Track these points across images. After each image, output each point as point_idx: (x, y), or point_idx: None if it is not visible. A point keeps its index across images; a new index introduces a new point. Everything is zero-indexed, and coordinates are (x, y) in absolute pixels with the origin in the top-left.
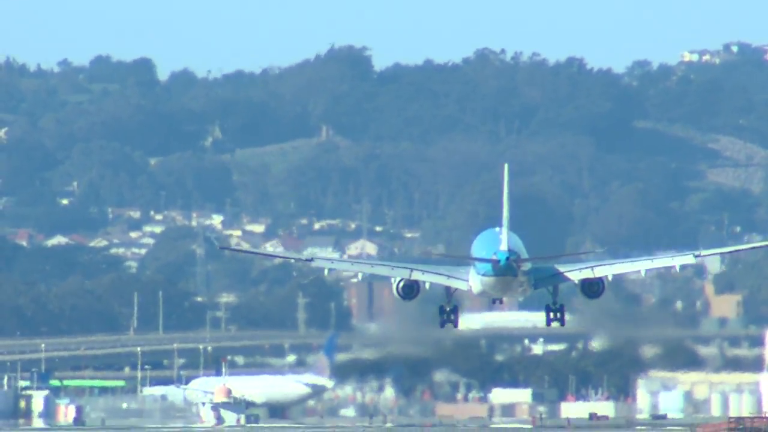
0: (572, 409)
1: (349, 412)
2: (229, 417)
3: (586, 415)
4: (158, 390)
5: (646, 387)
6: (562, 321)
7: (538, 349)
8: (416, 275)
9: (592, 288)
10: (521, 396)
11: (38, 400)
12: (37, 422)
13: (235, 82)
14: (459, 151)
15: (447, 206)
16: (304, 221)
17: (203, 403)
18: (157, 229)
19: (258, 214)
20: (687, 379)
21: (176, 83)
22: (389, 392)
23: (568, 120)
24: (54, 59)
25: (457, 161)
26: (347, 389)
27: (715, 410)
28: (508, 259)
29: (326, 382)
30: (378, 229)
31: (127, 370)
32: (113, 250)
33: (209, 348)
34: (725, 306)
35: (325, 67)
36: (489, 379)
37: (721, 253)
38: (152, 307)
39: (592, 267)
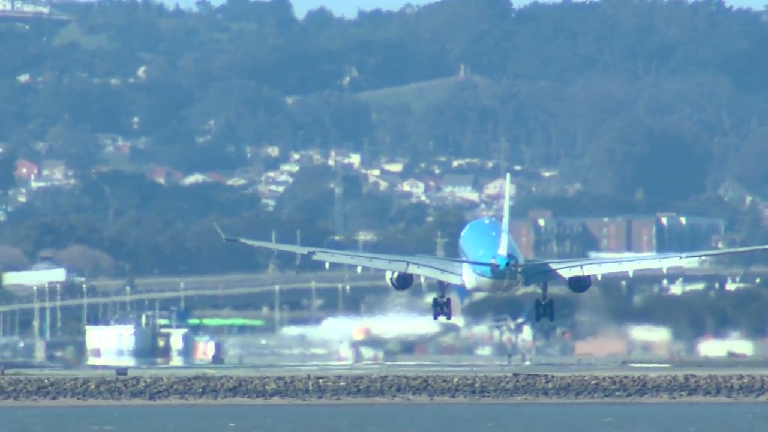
0: (710, 348)
1: (485, 351)
2: (367, 354)
3: (724, 353)
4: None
5: None
6: (551, 316)
7: (676, 289)
8: (412, 269)
9: (579, 284)
10: (660, 335)
11: (177, 338)
12: (176, 360)
13: (372, 21)
14: (597, 89)
15: (585, 145)
16: (442, 159)
17: (341, 341)
18: (295, 168)
19: (396, 153)
20: None
21: (313, 22)
22: (527, 332)
23: (706, 58)
24: None
25: (594, 100)
26: (482, 328)
27: None
28: (508, 264)
29: (457, 321)
30: (516, 167)
31: (265, 309)
32: (251, 189)
33: (347, 287)
34: None
35: (463, 5)
36: (628, 319)
37: (706, 255)
38: (290, 244)
39: (581, 265)
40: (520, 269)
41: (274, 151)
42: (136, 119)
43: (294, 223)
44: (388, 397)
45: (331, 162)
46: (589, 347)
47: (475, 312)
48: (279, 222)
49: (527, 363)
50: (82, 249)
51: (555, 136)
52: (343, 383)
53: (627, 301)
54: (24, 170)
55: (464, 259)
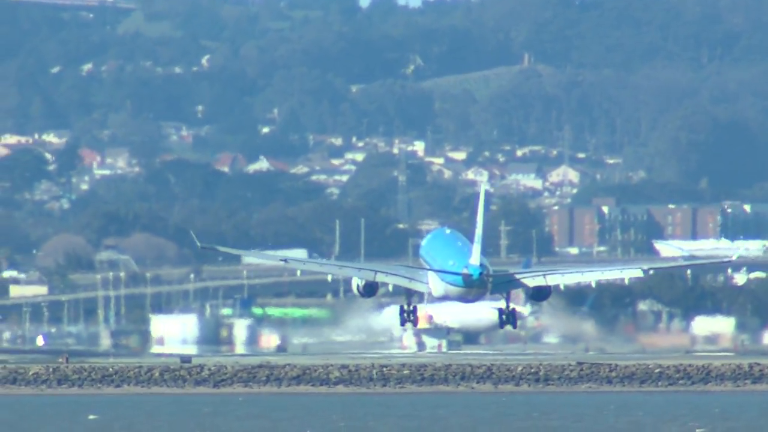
0: None
1: (552, 339)
2: (430, 343)
3: None
4: (359, 317)
5: None
6: (513, 324)
7: (740, 278)
8: (380, 277)
9: (540, 293)
10: (724, 324)
11: (240, 329)
12: (240, 349)
13: (436, 9)
14: (661, 77)
15: (649, 133)
16: (506, 148)
17: (405, 330)
18: (359, 156)
19: (459, 141)
20: None
21: (377, 11)
22: (590, 322)
23: None
24: None
25: (658, 88)
26: (548, 317)
27: None
28: (481, 274)
29: (521, 309)
30: (580, 155)
31: (329, 296)
32: (314, 177)
33: None
34: None
35: None
36: (692, 308)
37: (668, 268)
38: (354, 234)
39: (544, 275)
40: (490, 279)
41: (337, 139)
42: (199, 108)
43: (358, 211)
44: (452, 386)
45: (395, 150)
46: (652, 338)
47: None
48: (343, 210)
49: (590, 353)
50: (146, 237)
51: (619, 124)
52: (407, 371)
53: (691, 291)
54: (87, 159)
55: (431, 267)
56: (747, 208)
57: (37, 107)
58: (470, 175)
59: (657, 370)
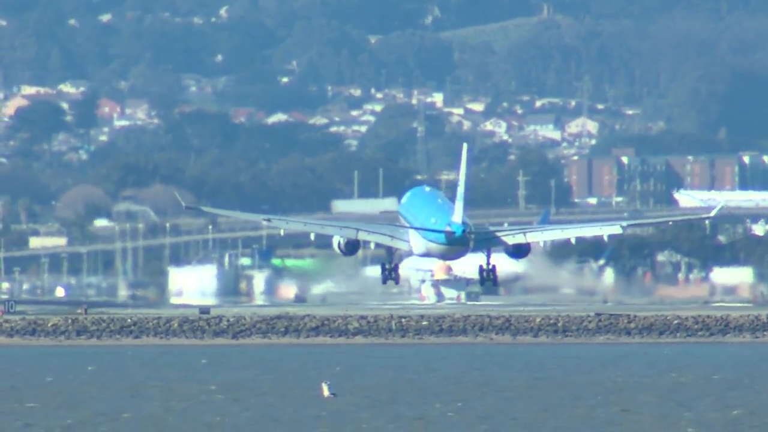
0: None
1: (567, 290)
2: (449, 294)
3: None
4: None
5: None
6: (494, 281)
7: (759, 229)
8: (362, 235)
9: (519, 250)
10: (742, 275)
11: (259, 280)
12: (258, 300)
13: None
14: (680, 28)
15: (668, 84)
16: (525, 99)
17: (423, 281)
18: (378, 107)
19: (478, 92)
20: None
21: None
22: (609, 273)
23: None
24: None
25: (678, 39)
26: (565, 270)
27: None
28: (464, 231)
29: (542, 261)
30: (599, 106)
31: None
32: (333, 128)
33: None
34: None
35: None
36: (710, 259)
37: (647, 224)
38: (372, 185)
39: (524, 232)
40: (472, 236)
41: (356, 90)
42: (218, 59)
43: (377, 162)
44: (471, 337)
45: (413, 101)
46: (671, 290)
47: (558, 254)
48: (362, 162)
49: (608, 304)
50: (164, 188)
51: (638, 75)
52: (425, 323)
53: (710, 242)
54: (106, 110)
55: (411, 225)
56: (765, 158)
57: (55, 58)
58: (489, 126)
59: (675, 322)
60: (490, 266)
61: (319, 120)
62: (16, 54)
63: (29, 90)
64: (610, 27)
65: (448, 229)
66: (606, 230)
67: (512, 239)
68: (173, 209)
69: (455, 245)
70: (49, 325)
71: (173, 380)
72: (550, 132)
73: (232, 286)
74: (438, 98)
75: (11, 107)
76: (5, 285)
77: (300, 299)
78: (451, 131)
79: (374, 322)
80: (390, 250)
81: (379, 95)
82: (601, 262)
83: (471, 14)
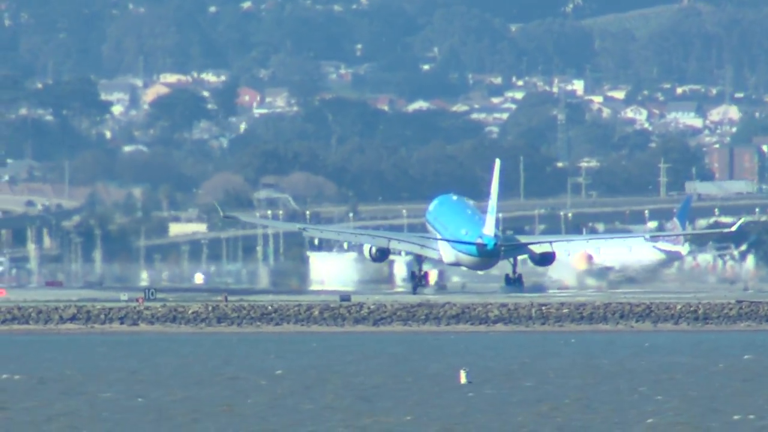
0: None
1: (711, 278)
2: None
3: None
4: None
5: None
6: (521, 288)
7: None
8: (393, 244)
9: (545, 259)
10: None
11: (400, 266)
12: (400, 287)
13: None
14: None
15: None
16: (666, 86)
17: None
18: (518, 95)
19: (619, 80)
20: None
21: None
22: (751, 261)
23: None
24: None
25: None
26: (707, 257)
27: None
28: (495, 244)
29: (681, 248)
30: (739, 94)
31: None
32: (474, 116)
33: (569, 214)
34: None
35: None
36: None
37: (672, 235)
38: (513, 172)
39: (551, 242)
40: (502, 248)
41: (497, 78)
42: (359, 46)
43: (517, 149)
44: (612, 325)
45: (554, 89)
46: None
47: (699, 241)
48: (502, 149)
49: (750, 291)
50: (305, 176)
51: None
52: (566, 310)
53: None
54: (246, 98)
55: (441, 235)
56: None
57: (196, 46)
58: (629, 113)
59: None
60: (516, 275)
61: (460, 107)
62: (156, 42)
63: (169, 78)
64: (752, 14)
65: (479, 241)
66: (629, 242)
67: (539, 248)
68: (314, 197)
69: (486, 257)
70: (190, 312)
71: (309, 367)
72: (691, 119)
73: (372, 274)
74: (578, 86)
75: (151, 95)
76: (144, 274)
77: (441, 287)
78: (591, 119)
79: (515, 310)
80: (419, 259)
81: (519, 83)
82: (743, 248)
83: (611, 1)
